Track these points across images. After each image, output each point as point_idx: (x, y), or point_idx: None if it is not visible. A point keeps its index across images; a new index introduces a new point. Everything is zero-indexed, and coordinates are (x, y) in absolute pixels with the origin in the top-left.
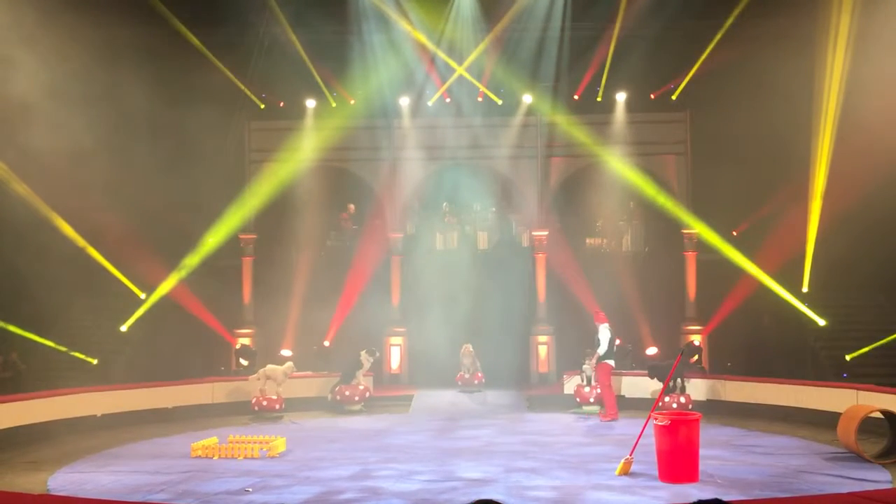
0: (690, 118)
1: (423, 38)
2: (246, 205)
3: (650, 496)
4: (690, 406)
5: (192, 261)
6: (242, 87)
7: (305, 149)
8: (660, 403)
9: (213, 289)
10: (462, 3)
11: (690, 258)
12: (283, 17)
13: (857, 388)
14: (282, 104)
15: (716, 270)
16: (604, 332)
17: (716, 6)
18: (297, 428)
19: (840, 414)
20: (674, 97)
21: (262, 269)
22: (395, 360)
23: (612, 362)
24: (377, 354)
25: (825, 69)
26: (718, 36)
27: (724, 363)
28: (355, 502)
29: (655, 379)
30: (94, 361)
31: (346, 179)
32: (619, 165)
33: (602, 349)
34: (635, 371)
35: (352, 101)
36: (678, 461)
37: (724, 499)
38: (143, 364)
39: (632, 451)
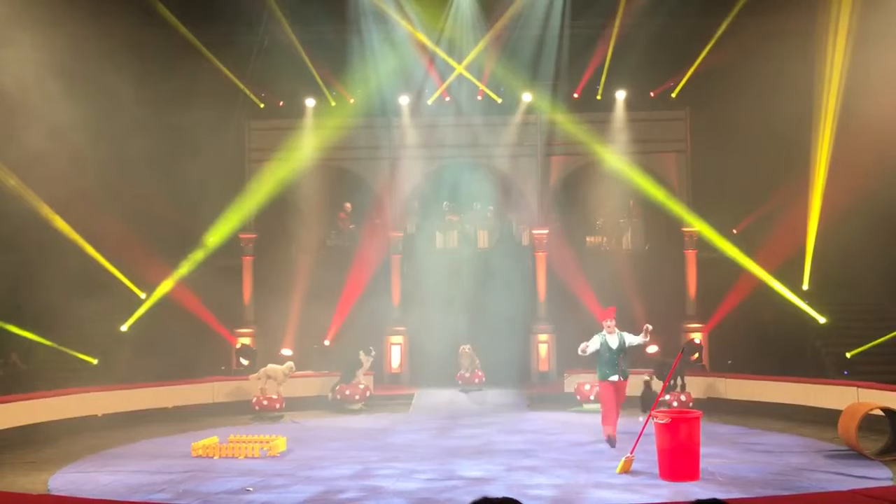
0: (690, 116)
1: (422, 37)
2: (246, 204)
3: (651, 494)
4: (691, 404)
5: (192, 260)
6: (242, 87)
7: (305, 148)
8: (660, 401)
9: (213, 288)
10: (462, 2)
11: (691, 256)
12: (282, 16)
13: (858, 386)
14: (281, 103)
15: (716, 268)
16: (594, 339)
17: (715, 3)
18: (298, 427)
19: (841, 411)
20: (674, 95)
21: (262, 268)
22: (395, 359)
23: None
24: (373, 353)
25: (825, 66)
26: (718, 33)
27: (724, 361)
28: (356, 501)
29: (657, 377)
30: (95, 361)
31: (345, 178)
32: (618, 163)
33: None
34: (636, 370)
35: (351, 100)
36: (679, 459)
37: (726, 497)
38: (144, 364)
39: (632, 450)
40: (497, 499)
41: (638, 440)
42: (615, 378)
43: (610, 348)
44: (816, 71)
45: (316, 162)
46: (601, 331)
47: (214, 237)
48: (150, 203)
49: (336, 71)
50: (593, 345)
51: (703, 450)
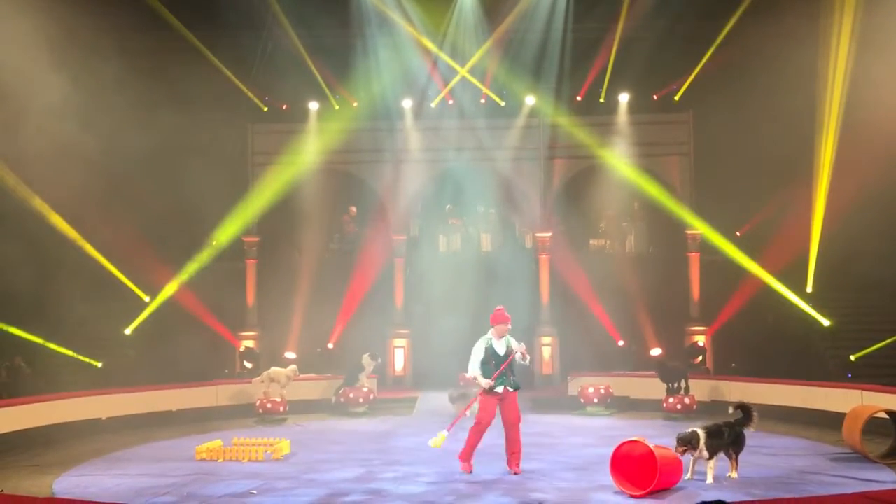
0: (693, 119)
1: (425, 41)
2: (250, 207)
3: (654, 497)
4: (695, 407)
5: (197, 262)
6: (245, 91)
7: (308, 151)
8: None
9: (216, 291)
10: (464, 5)
11: (694, 259)
12: (285, 20)
13: (862, 389)
14: (285, 107)
15: (719, 271)
16: (476, 346)
17: (718, 6)
18: (302, 430)
19: (845, 414)
20: (677, 98)
21: (266, 271)
22: (398, 362)
23: (491, 385)
24: (378, 359)
25: (829, 67)
26: (721, 36)
27: (727, 364)
28: None
29: (661, 380)
30: (99, 364)
31: (349, 182)
32: (622, 166)
33: (471, 369)
34: (640, 372)
35: (355, 104)
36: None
37: (730, 500)
38: (148, 367)
39: (450, 427)
40: None
41: (456, 421)
42: (501, 389)
43: (497, 354)
44: (820, 73)
45: (319, 165)
46: (486, 334)
47: (222, 237)
48: (153, 206)
49: (339, 74)
50: (478, 354)
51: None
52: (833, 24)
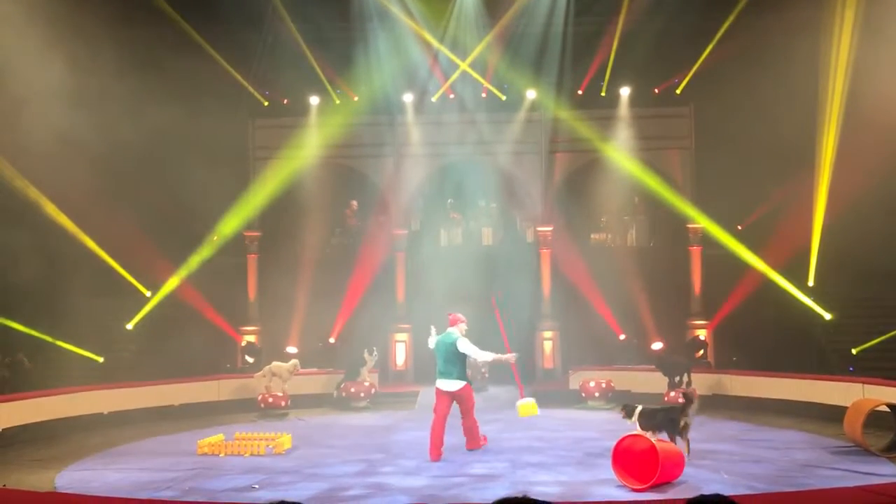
0: (695, 112)
1: (426, 34)
2: (250, 202)
3: (655, 490)
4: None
5: (197, 259)
6: (246, 85)
7: (309, 146)
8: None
9: (218, 286)
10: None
11: (695, 253)
12: (286, 14)
13: (864, 382)
14: (285, 101)
15: (721, 265)
16: (464, 342)
17: None
18: (303, 425)
19: (846, 408)
20: (678, 91)
21: (267, 266)
22: (400, 356)
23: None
24: (375, 353)
25: (830, 62)
26: (722, 30)
27: (729, 358)
28: (361, 499)
29: (663, 374)
30: (101, 359)
31: (350, 176)
32: (623, 160)
33: (482, 355)
34: (642, 366)
35: (355, 98)
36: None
37: (731, 493)
38: (149, 362)
39: (522, 392)
40: (515, 498)
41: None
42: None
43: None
44: (822, 65)
45: (320, 160)
46: (455, 333)
47: (222, 233)
48: (154, 201)
49: (340, 68)
50: (471, 344)
51: (707, 446)
52: (835, 16)
